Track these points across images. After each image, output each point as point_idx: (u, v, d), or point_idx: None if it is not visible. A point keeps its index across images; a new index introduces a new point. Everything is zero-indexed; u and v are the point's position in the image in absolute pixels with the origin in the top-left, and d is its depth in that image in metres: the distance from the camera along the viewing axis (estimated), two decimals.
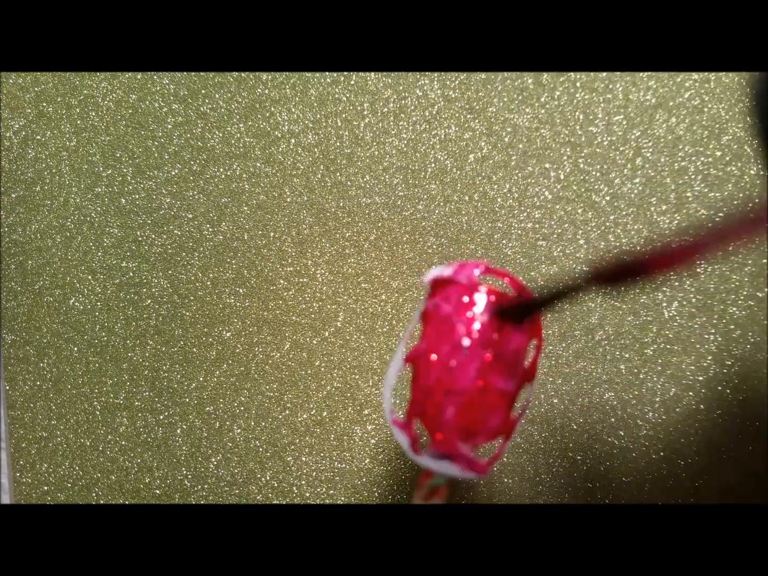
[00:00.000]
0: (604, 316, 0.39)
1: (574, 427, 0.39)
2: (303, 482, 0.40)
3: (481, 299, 0.24)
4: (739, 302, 0.38)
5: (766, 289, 0.38)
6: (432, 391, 0.23)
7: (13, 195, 0.42)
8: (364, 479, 0.40)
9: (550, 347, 0.39)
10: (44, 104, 0.42)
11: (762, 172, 0.38)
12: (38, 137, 0.42)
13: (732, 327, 0.38)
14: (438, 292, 0.24)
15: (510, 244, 0.39)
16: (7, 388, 0.42)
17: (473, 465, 0.24)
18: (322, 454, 0.40)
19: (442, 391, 0.23)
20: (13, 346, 0.42)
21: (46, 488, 0.42)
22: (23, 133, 0.42)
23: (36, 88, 0.42)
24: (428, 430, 0.24)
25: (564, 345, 0.39)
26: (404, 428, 0.24)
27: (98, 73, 0.42)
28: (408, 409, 0.24)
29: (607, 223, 0.39)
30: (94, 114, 0.42)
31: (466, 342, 0.23)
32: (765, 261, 0.38)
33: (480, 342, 0.23)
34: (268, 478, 0.41)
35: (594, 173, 0.39)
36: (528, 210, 0.40)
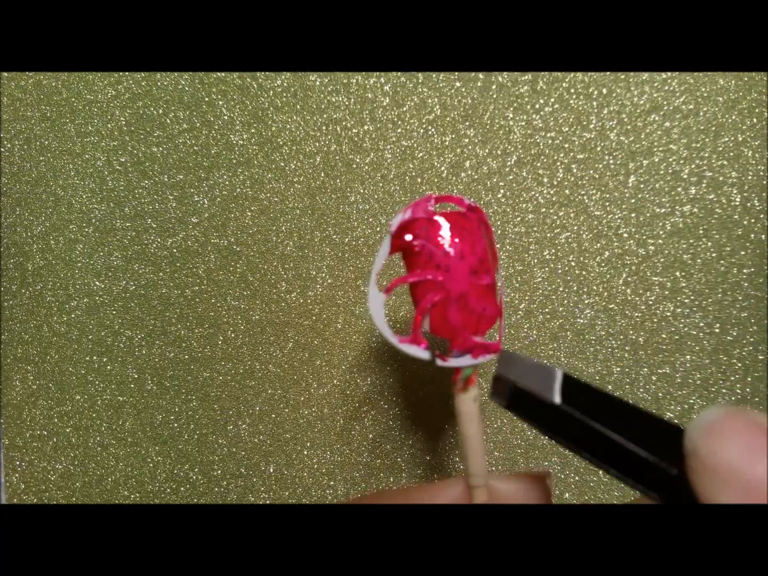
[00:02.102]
0: (597, 315, 0.39)
1: None
2: (305, 474, 0.41)
3: (442, 223, 0.28)
4: (739, 302, 0.38)
5: (766, 289, 0.38)
6: (434, 306, 0.28)
7: (14, 196, 0.42)
8: (363, 471, 0.41)
9: (551, 347, 0.40)
10: (46, 107, 0.42)
11: (761, 173, 0.38)
12: (41, 140, 0.42)
13: (732, 327, 0.38)
14: (403, 233, 0.28)
15: (504, 249, 0.40)
16: (6, 388, 0.43)
17: (490, 348, 0.29)
18: (323, 449, 0.41)
19: (442, 302, 0.28)
20: (13, 346, 0.43)
21: (45, 488, 0.43)
22: (25, 135, 0.42)
23: (38, 90, 0.42)
24: (444, 337, 0.28)
25: (555, 345, 0.40)
26: (419, 343, 0.28)
27: (103, 78, 0.41)
28: (413, 327, 0.28)
29: (600, 227, 0.39)
30: (98, 119, 0.42)
31: (447, 259, 0.28)
32: (765, 261, 0.38)
33: (457, 254, 0.28)
34: (271, 470, 0.41)
35: (587, 178, 0.39)
36: (521, 215, 0.40)
